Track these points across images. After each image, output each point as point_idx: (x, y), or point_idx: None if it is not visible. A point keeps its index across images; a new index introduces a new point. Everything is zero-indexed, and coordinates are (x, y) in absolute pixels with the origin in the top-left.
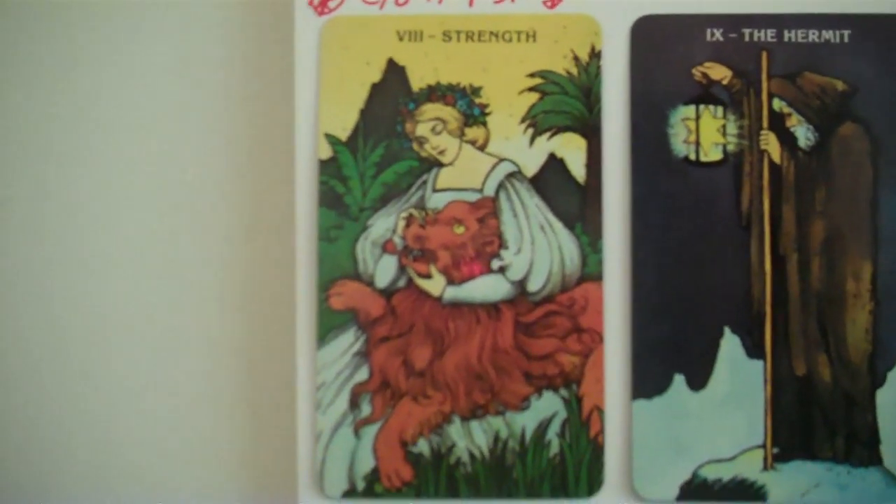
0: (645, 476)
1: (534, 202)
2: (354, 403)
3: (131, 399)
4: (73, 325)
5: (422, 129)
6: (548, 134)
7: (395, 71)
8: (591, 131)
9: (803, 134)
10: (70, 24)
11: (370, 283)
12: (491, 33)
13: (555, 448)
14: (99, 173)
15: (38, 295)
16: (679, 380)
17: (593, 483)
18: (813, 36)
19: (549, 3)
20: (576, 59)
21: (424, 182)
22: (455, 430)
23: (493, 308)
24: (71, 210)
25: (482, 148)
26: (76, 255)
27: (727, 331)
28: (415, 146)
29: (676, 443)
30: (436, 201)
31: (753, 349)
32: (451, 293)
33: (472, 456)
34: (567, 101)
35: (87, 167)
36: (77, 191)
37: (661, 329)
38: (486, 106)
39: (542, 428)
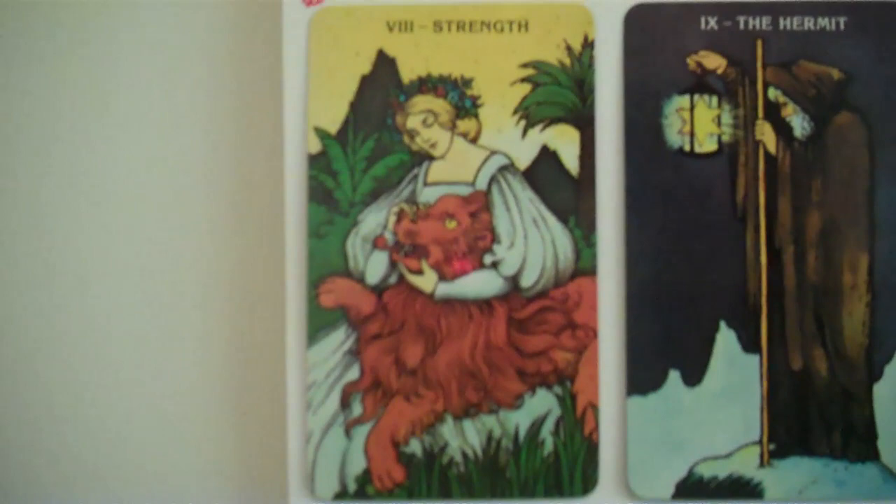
0: (640, 474)
1: (526, 195)
2: (345, 403)
3: (120, 398)
4: (60, 325)
5: (413, 122)
6: (540, 126)
7: (385, 62)
8: (584, 123)
9: (799, 123)
10: (56, 18)
11: (361, 280)
12: (482, 23)
13: (549, 447)
14: (85, 169)
15: (26, 293)
16: (674, 376)
17: (588, 482)
18: (808, 23)
19: None
20: (568, 49)
21: (416, 176)
22: (448, 429)
23: (485, 304)
24: (57, 208)
25: (474, 140)
26: (63, 254)
27: (723, 325)
28: (406, 139)
29: (672, 440)
30: (427, 195)
31: (749, 343)
32: (444, 289)
33: (465, 456)
34: (560, 92)
35: (73, 164)
36: (63, 188)
37: (655, 324)
38: (477, 97)
39: (536, 426)
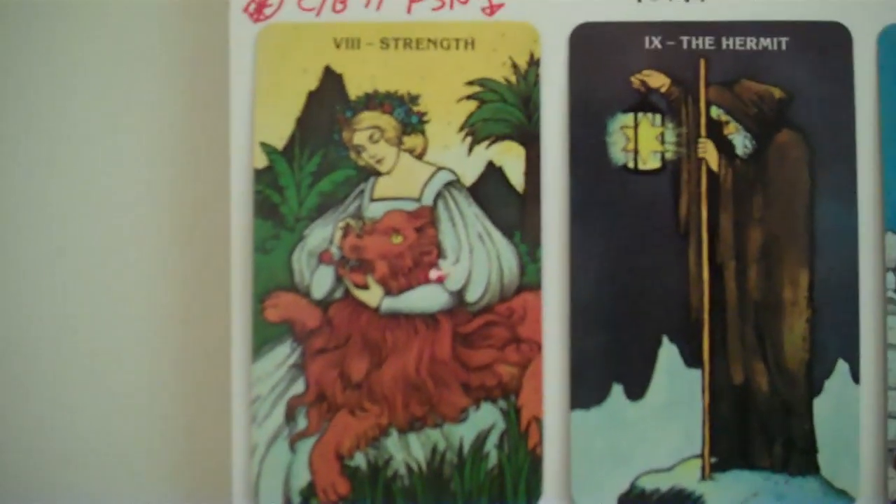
0: (583, 487)
1: (472, 211)
2: (290, 417)
3: (64, 410)
4: (4, 340)
5: (359, 138)
6: (486, 142)
7: (332, 79)
8: (529, 139)
9: (741, 142)
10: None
11: (306, 295)
12: (429, 41)
13: (493, 460)
14: (26, 184)
15: None
16: (617, 390)
17: (532, 494)
18: (751, 43)
19: (487, 11)
20: (514, 66)
21: (362, 191)
22: (392, 442)
23: (431, 319)
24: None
25: (420, 157)
26: (8, 269)
27: (665, 339)
28: (352, 155)
29: (615, 453)
30: (373, 211)
31: (691, 358)
32: (389, 304)
33: (409, 469)
34: (506, 109)
35: (17, 179)
36: (5, 206)
37: (599, 338)
38: (424, 114)
39: (481, 440)
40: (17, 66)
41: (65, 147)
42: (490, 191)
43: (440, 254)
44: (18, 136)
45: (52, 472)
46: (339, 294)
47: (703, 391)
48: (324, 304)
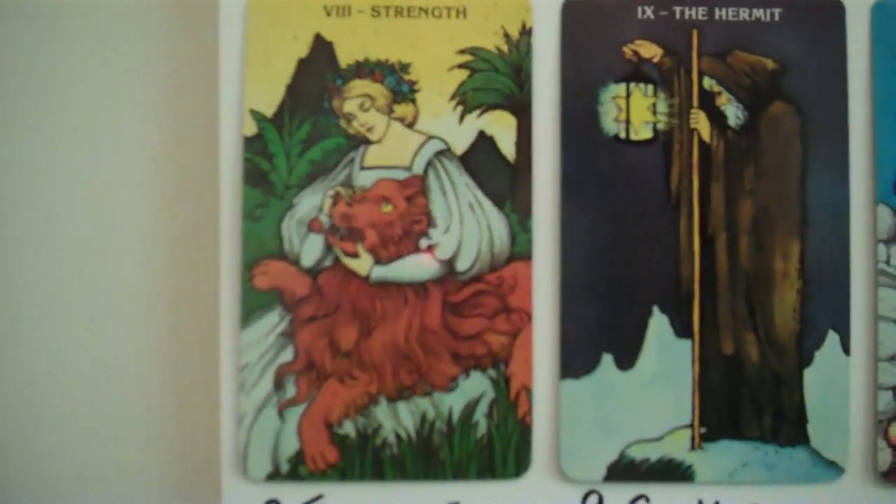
0: (572, 456)
1: (463, 180)
2: (279, 385)
3: (50, 378)
4: None
5: (349, 106)
6: (477, 111)
7: (322, 46)
8: (521, 109)
9: (733, 113)
10: None
11: (296, 263)
12: (420, 9)
13: (482, 429)
14: (15, 154)
15: None
16: (607, 359)
17: (521, 464)
18: (744, 14)
19: None
20: (506, 36)
21: (352, 160)
22: (381, 411)
23: (420, 287)
24: None
25: (411, 125)
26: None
27: (656, 310)
28: (342, 123)
29: (604, 423)
30: (363, 179)
31: (682, 328)
32: (379, 272)
33: (398, 437)
34: (497, 79)
35: (4, 149)
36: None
37: (589, 308)
38: (414, 83)
39: (470, 409)
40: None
41: (53, 118)
42: (481, 160)
43: (430, 223)
44: (9, 115)
45: (37, 442)
46: (328, 262)
47: (693, 362)
48: (313, 273)
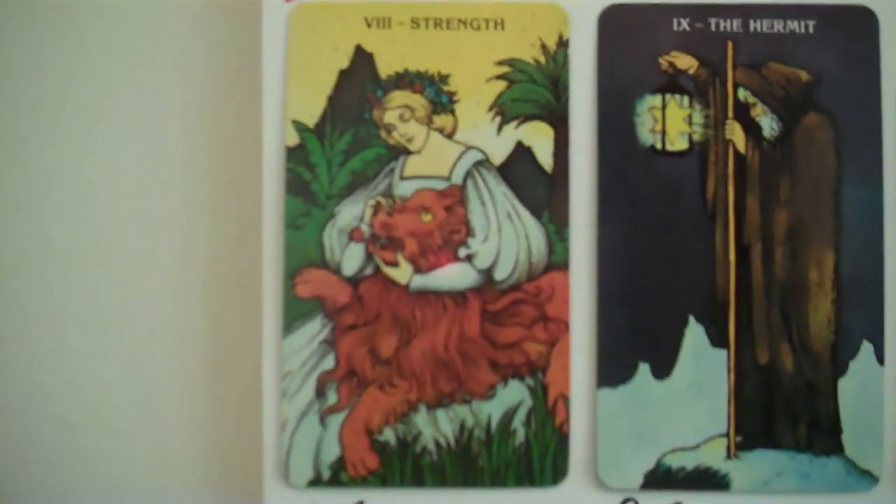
0: (609, 464)
1: (501, 190)
2: (320, 392)
3: (96, 386)
4: (35, 318)
5: (389, 117)
6: (515, 122)
7: (362, 58)
8: (558, 120)
9: (768, 124)
10: (27, 13)
11: (337, 271)
12: (459, 20)
13: (520, 437)
14: (62, 163)
15: None
16: (644, 368)
17: (558, 471)
18: (778, 26)
19: None
20: (543, 47)
21: (392, 170)
22: (421, 418)
23: (459, 296)
24: (33, 202)
25: (450, 136)
26: (39, 246)
27: (692, 319)
28: (382, 133)
29: (641, 431)
30: (403, 189)
31: (717, 338)
32: (419, 281)
33: (437, 444)
34: (535, 90)
35: (49, 160)
36: (38, 183)
37: (626, 317)
38: (454, 94)
39: (508, 416)
40: (47, 53)
41: (98, 127)
42: (519, 170)
43: (469, 232)
44: (54, 121)
45: (83, 451)
46: (369, 271)
47: (729, 371)
48: (354, 281)
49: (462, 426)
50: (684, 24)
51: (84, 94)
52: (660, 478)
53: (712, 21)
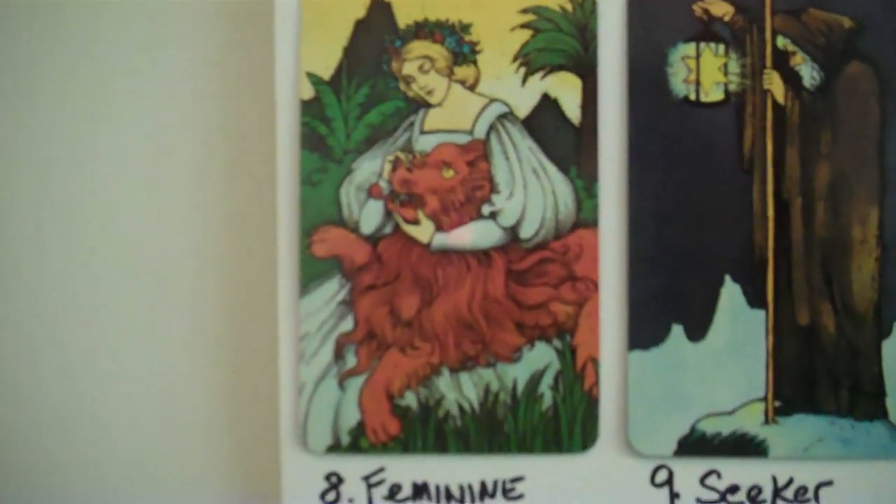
0: (641, 430)
1: (526, 145)
2: (339, 355)
3: (110, 349)
4: (52, 298)
5: (409, 68)
6: (541, 73)
7: (380, 7)
8: (586, 70)
9: (808, 73)
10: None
11: (355, 230)
12: None
13: (548, 401)
14: (72, 121)
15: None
16: (677, 330)
17: (587, 437)
18: None
19: None
20: None
21: (412, 123)
22: (444, 382)
23: (483, 255)
24: (40, 173)
25: (472, 88)
26: (48, 218)
27: (728, 279)
28: (401, 86)
29: (674, 396)
30: (423, 144)
31: (755, 298)
32: (440, 240)
33: (461, 409)
34: (561, 39)
35: (64, 132)
36: (52, 145)
37: (658, 277)
38: (475, 44)
39: (535, 380)
40: (63, 22)
41: (107, 82)
42: (545, 123)
43: (493, 188)
44: (64, 87)
45: (97, 415)
46: (388, 229)
47: (767, 333)
48: (373, 240)
49: (487, 390)
50: None
51: (93, 66)
52: (694, 444)
53: None
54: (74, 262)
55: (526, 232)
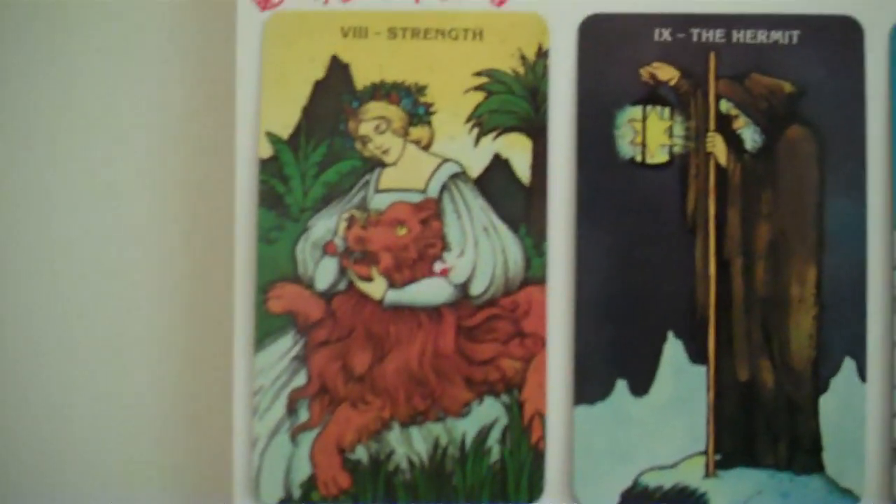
0: (586, 483)
1: (478, 203)
2: (292, 409)
3: (66, 401)
4: (10, 331)
5: (365, 128)
6: (493, 134)
7: (339, 68)
8: (536, 131)
9: (750, 136)
10: (5, 26)
11: (310, 286)
12: (437, 31)
13: (495, 455)
14: (32, 172)
15: None
16: (622, 385)
17: (534, 490)
18: (762, 36)
19: (496, 1)
20: (523, 58)
21: (367, 182)
22: (394, 436)
23: (434, 311)
24: (9, 213)
25: (426, 148)
26: (9, 266)
27: (671, 335)
28: (358, 145)
29: (618, 449)
30: (378, 202)
31: (697, 354)
32: (393, 296)
33: (411, 463)
34: (513, 101)
35: (21, 174)
36: (9, 191)
37: (604, 333)
38: (430, 105)
39: (483, 434)
40: (19, 62)
41: (69, 134)
42: (496, 183)
43: (445, 246)
44: (21, 131)
45: (52, 464)
46: (342, 286)
47: (709, 388)
48: (327, 296)
49: (436, 444)
50: (666, 34)
51: (54, 104)
52: (637, 496)
53: (694, 32)
54: (25, 304)
55: (476, 289)
